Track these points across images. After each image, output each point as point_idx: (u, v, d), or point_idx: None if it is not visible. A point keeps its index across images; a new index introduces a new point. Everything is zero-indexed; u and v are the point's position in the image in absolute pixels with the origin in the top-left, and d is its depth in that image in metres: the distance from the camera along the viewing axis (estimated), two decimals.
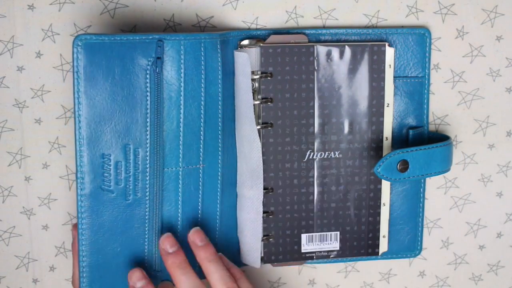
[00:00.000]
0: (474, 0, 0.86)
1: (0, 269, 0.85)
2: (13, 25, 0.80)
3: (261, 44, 0.80)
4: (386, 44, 0.82)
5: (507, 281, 0.94)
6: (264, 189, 0.82)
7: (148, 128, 0.76)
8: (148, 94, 0.75)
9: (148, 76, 0.75)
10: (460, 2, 0.86)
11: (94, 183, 0.75)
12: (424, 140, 0.86)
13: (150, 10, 0.82)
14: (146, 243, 0.78)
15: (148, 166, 0.76)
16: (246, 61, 0.79)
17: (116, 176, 0.75)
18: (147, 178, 0.76)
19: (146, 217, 0.77)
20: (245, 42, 0.80)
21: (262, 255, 0.84)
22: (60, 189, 0.84)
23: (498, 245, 0.92)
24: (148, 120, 0.75)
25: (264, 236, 0.83)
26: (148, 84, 0.75)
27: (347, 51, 0.81)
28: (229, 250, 0.84)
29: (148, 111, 0.75)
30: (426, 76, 0.85)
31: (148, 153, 0.76)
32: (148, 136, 0.76)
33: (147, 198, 0.77)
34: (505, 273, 0.94)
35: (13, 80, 0.81)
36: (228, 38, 0.79)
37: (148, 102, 0.75)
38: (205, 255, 0.76)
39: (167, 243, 0.76)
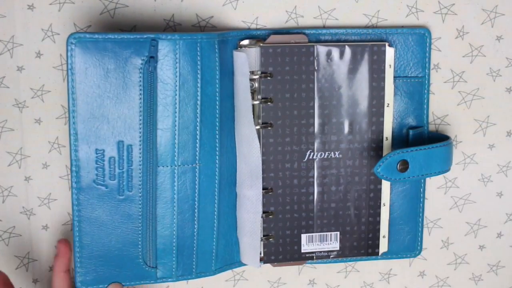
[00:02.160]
0: (474, 0, 0.86)
1: (0, 269, 0.85)
2: (13, 25, 0.80)
3: (261, 44, 0.80)
4: (386, 44, 0.82)
5: (507, 281, 0.94)
6: (264, 189, 0.82)
7: (140, 126, 0.76)
8: (141, 92, 0.76)
9: (141, 74, 0.75)
10: (460, 2, 0.86)
11: (87, 178, 0.76)
12: (424, 140, 0.86)
13: (150, 10, 0.82)
14: (140, 240, 0.78)
15: (140, 163, 0.77)
16: (245, 61, 0.79)
17: (110, 171, 0.76)
18: (140, 175, 0.77)
19: (140, 214, 0.78)
20: (245, 42, 0.80)
21: (262, 255, 0.84)
22: (60, 189, 0.84)
23: (498, 245, 0.92)
24: (140, 118, 0.76)
25: (264, 236, 0.83)
26: (141, 83, 0.75)
27: (347, 51, 0.81)
28: (228, 250, 0.84)
29: (141, 109, 0.76)
30: (426, 76, 0.85)
31: (140, 151, 0.77)
32: (140, 134, 0.76)
33: (140, 195, 0.77)
34: (505, 273, 0.94)
35: (13, 80, 0.81)
36: (227, 38, 0.79)
37: (141, 101, 0.76)
38: None
39: None
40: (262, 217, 0.82)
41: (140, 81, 0.75)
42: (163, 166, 0.78)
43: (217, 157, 0.80)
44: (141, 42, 0.75)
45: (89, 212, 0.77)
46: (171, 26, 0.82)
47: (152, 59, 0.75)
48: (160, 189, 0.78)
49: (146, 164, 0.77)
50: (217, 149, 0.80)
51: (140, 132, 0.76)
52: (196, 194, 0.80)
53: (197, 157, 0.79)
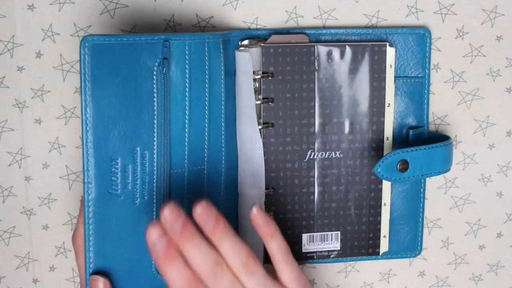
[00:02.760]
0: (474, 0, 0.86)
1: (0, 269, 0.85)
2: (13, 25, 0.80)
3: (262, 44, 0.80)
4: (387, 44, 0.82)
5: (507, 281, 0.94)
6: (265, 189, 0.82)
7: (155, 130, 0.75)
8: (155, 95, 0.74)
9: (155, 77, 0.74)
10: (460, 2, 0.86)
11: (101, 188, 0.73)
12: (424, 140, 0.86)
13: (150, 10, 0.82)
14: None
15: (155, 168, 0.76)
16: (248, 61, 0.79)
17: (124, 179, 0.74)
18: (155, 180, 0.76)
19: (153, 220, 0.77)
20: (246, 42, 0.80)
21: (263, 255, 0.84)
22: (60, 189, 0.84)
23: (498, 245, 0.93)
24: (155, 122, 0.75)
25: None
26: (155, 85, 0.74)
27: (348, 51, 0.81)
28: None
29: (155, 112, 0.75)
30: (426, 76, 0.85)
31: (155, 155, 0.75)
32: (155, 138, 0.75)
33: (154, 200, 0.76)
34: (505, 273, 0.94)
35: (13, 80, 0.81)
36: (229, 38, 0.79)
37: (155, 104, 0.75)
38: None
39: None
40: None
41: (154, 83, 0.74)
42: (174, 170, 0.77)
43: (223, 158, 0.80)
44: (153, 44, 0.74)
45: (103, 225, 0.74)
46: (171, 26, 0.82)
47: (165, 60, 0.75)
48: (172, 193, 0.78)
49: (160, 168, 0.76)
50: (223, 150, 0.80)
51: (154, 137, 0.75)
52: (204, 196, 0.79)
53: (205, 159, 0.79)
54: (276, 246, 0.73)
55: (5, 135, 0.82)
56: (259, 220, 0.72)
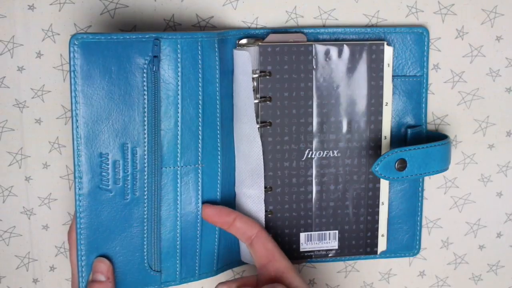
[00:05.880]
0: (474, 0, 0.86)
1: (0, 269, 0.85)
2: (13, 25, 0.80)
3: (260, 43, 0.80)
4: (385, 43, 0.82)
5: (507, 281, 0.94)
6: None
7: (145, 127, 0.75)
8: (146, 93, 0.75)
9: (145, 75, 0.75)
10: (460, 2, 0.86)
11: (92, 183, 0.74)
12: (423, 139, 0.86)
13: (150, 10, 0.82)
14: (145, 243, 0.78)
15: (146, 165, 0.76)
16: (247, 59, 0.79)
17: (114, 175, 0.75)
18: (145, 177, 0.76)
19: (145, 217, 0.77)
20: (244, 41, 0.80)
21: None
22: (60, 189, 0.84)
23: (498, 245, 0.92)
24: (145, 119, 0.75)
25: None
26: (145, 83, 0.75)
27: (346, 50, 0.81)
28: (229, 250, 0.84)
29: (146, 110, 0.75)
30: (425, 75, 0.85)
31: (146, 152, 0.76)
32: (145, 135, 0.76)
33: (145, 197, 0.77)
34: (505, 273, 0.93)
35: (13, 80, 0.81)
36: (226, 37, 0.79)
37: (146, 101, 0.75)
38: None
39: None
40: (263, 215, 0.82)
41: (144, 81, 0.75)
42: (166, 167, 0.78)
43: (219, 157, 0.80)
44: (144, 42, 0.74)
45: (94, 219, 0.75)
46: (171, 26, 0.83)
47: (155, 59, 0.75)
48: (164, 190, 0.78)
49: (151, 165, 0.77)
50: (219, 149, 0.80)
51: (145, 134, 0.76)
52: (199, 195, 0.80)
53: (199, 158, 0.79)
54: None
55: (5, 135, 0.82)
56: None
